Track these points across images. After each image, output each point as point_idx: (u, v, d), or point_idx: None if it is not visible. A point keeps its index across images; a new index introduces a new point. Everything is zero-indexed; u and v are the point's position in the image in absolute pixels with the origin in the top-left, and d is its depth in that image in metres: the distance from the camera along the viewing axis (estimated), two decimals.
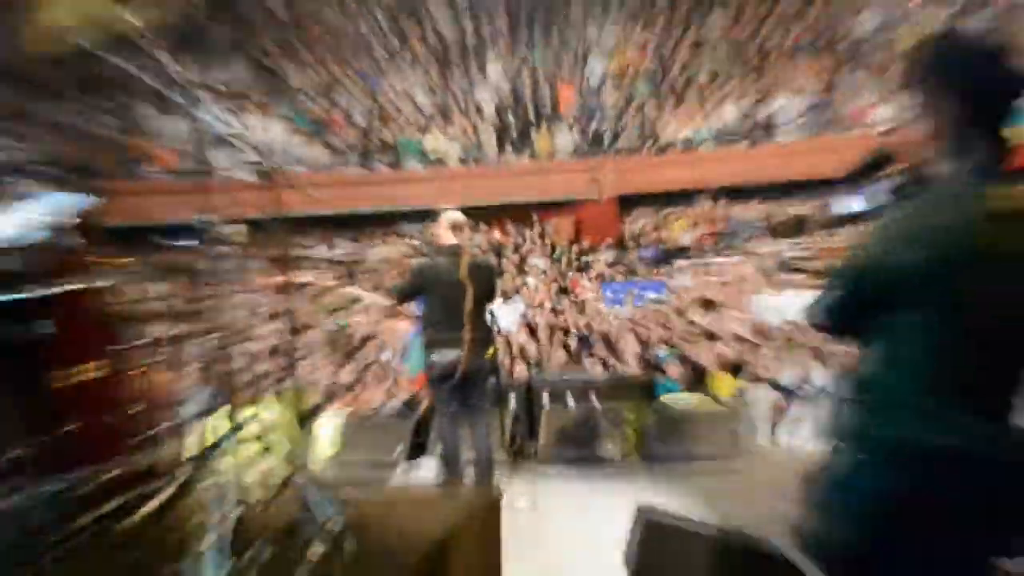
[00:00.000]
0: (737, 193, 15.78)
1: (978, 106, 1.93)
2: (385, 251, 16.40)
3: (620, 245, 15.93)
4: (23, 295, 2.64)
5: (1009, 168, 1.99)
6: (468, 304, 5.46)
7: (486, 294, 5.56)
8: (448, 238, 5.69)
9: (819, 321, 2.12)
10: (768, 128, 16.39)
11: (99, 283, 2.80)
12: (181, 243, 3.16)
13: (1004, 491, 1.89)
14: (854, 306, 2.00)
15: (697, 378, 7.79)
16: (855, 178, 2.23)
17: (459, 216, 5.77)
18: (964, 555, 1.89)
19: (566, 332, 10.58)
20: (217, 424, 2.84)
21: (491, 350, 5.56)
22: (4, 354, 2.62)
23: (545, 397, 7.11)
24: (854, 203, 2.24)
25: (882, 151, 2.19)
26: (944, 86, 1.95)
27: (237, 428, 2.82)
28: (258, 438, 2.94)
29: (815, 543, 2.03)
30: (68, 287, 2.71)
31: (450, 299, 5.43)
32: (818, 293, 2.11)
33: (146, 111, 16.83)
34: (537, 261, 15.54)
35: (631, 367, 8.38)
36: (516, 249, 16.03)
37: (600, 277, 14.73)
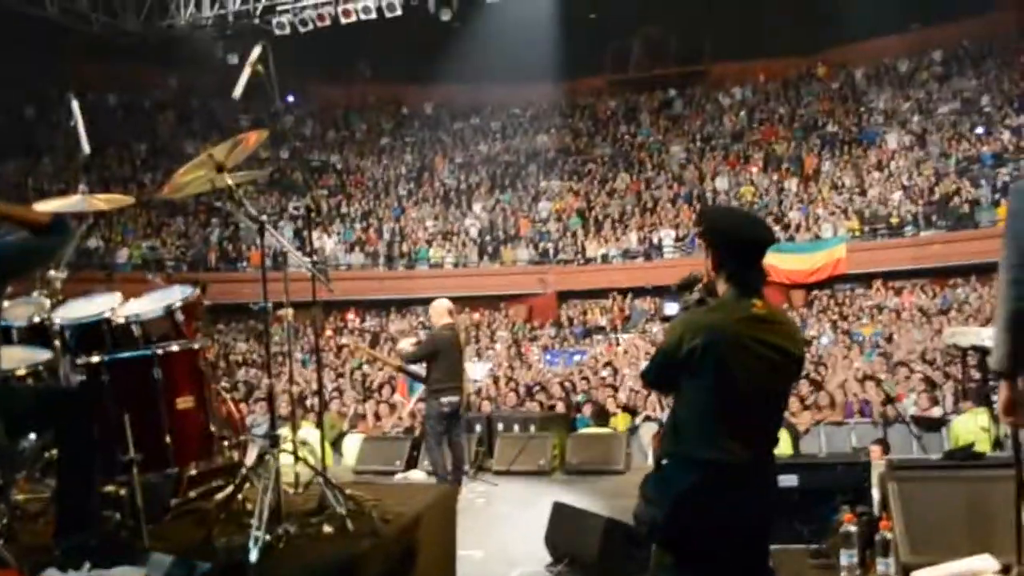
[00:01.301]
0: (637, 291, 15.99)
1: (732, 253, 2.10)
2: (401, 324, 16.35)
3: (558, 324, 16.14)
4: (144, 351, 2.67)
5: (763, 286, 2.15)
6: (462, 364, 5.62)
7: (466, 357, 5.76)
8: (443, 319, 5.68)
9: (649, 380, 2.25)
10: (657, 248, 16.63)
11: (195, 344, 2.81)
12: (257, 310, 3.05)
13: (753, 488, 2.01)
14: (667, 371, 2.09)
15: (603, 415, 7.76)
16: (679, 288, 2.35)
17: (447, 303, 5.78)
18: (733, 525, 1.97)
19: (517, 383, 10.49)
20: (271, 440, 2.81)
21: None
22: (133, 390, 2.63)
23: (500, 427, 7.04)
24: (673, 306, 2.36)
25: (692, 274, 2.32)
26: (712, 241, 2.13)
27: (279, 441, 2.78)
28: (294, 451, 2.91)
29: (646, 521, 2.06)
30: (174, 346, 2.74)
31: (452, 361, 5.53)
32: (649, 362, 2.22)
33: (245, 227, 16.89)
34: (502, 334, 15.60)
35: (560, 407, 8.35)
36: (488, 325, 16.10)
37: (544, 346, 14.82)
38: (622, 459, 6.24)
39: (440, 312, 5.72)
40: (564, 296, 17.12)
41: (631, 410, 8.17)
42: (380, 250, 17.86)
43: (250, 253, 16.68)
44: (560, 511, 4.08)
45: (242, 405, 3.80)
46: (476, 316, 16.51)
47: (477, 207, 19.06)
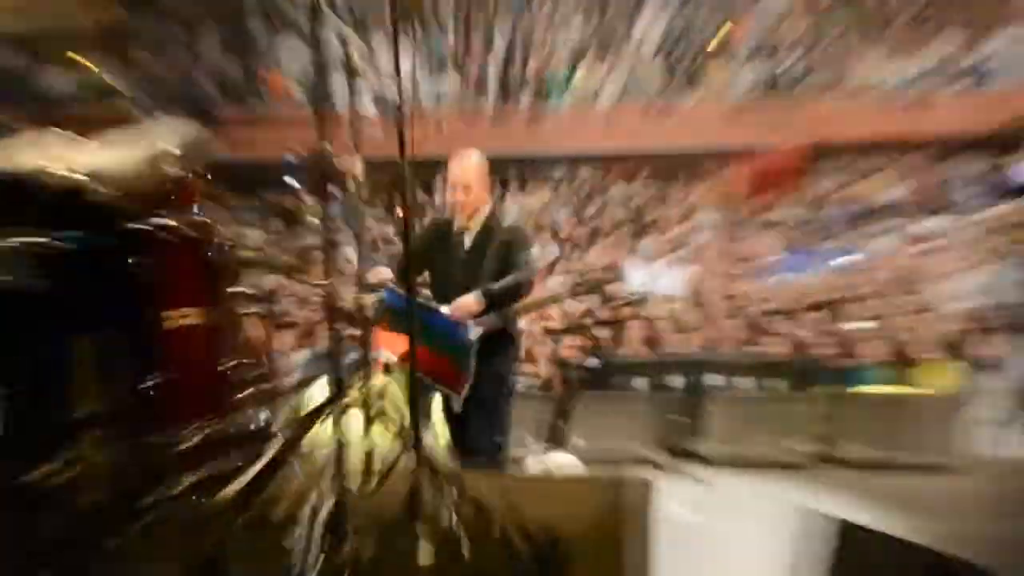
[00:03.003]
0: (948, 147, 15.35)
1: None
2: (525, 202, 16.42)
3: (805, 203, 15.65)
4: (122, 230, 2.74)
5: None
6: None
7: None
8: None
9: None
10: (984, 73, 15.89)
11: (202, 220, 2.89)
12: (291, 182, 3.16)
13: None
14: None
15: (902, 364, 7.49)
16: None
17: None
18: None
19: (739, 306, 10.54)
20: (317, 391, 2.84)
21: None
22: (94, 297, 2.72)
23: (713, 381, 7.19)
24: None
25: None
26: None
27: (340, 394, 2.83)
28: (365, 407, 2.97)
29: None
30: (171, 223, 2.80)
31: None
32: None
33: (259, 30, 17.34)
34: (706, 217, 15.31)
35: (818, 348, 8.15)
36: (682, 199, 15.83)
37: (781, 241, 14.57)
38: (946, 444, 6.18)
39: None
40: (818, 149, 16.51)
41: (959, 356, 7.71)
42: (488, 74, 17.81)
43: (269, 75, 17.24)
44: (843, 536, 3.92)
45: (269, 331, 3.93)
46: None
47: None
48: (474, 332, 4.94)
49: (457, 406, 4.95)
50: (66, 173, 2.77)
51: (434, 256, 5.22)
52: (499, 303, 5.01)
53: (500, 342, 5.13)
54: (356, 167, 3.16)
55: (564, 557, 2.84)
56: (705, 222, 15.26)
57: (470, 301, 4.92)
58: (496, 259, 5.10)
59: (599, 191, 16.67)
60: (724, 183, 16.19)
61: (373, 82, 3.31)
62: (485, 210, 5.25)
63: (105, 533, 2.59)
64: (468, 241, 5.20)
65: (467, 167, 5.24)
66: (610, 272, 12.24)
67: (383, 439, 3.09)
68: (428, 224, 5.70)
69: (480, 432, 4.99)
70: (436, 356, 4.77)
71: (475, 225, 5.19)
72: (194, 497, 2.84)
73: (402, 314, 4.31)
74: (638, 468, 6.45)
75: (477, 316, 4.95)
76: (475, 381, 4.93)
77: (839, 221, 15.24)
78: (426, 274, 5.32)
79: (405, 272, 5.07)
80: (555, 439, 7.32)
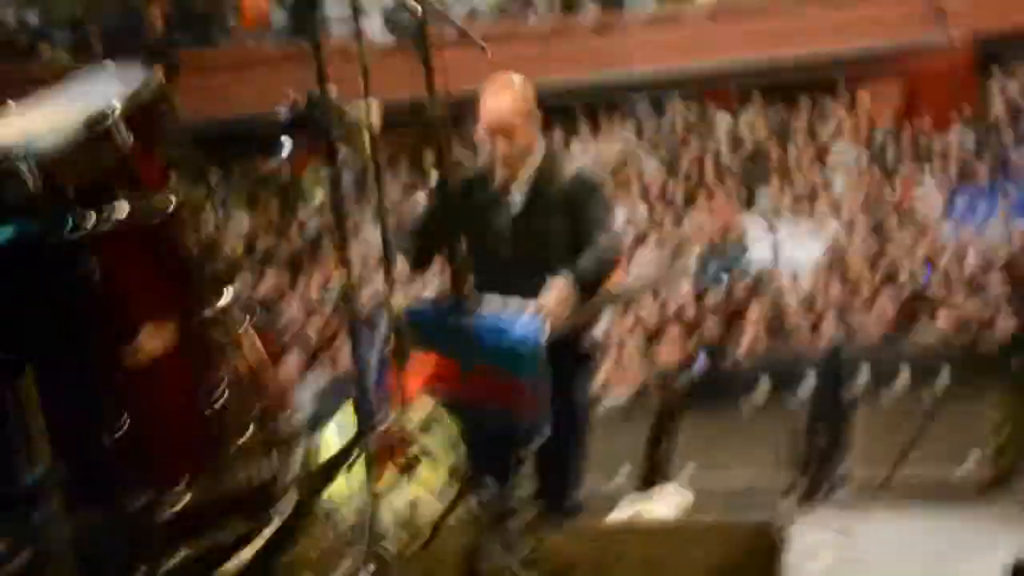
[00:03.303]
0: None
1: None
2: (599, 148, 16.35)
3: (982, 122, 15.60)
4: (52, 225, 2.69)
5: None
6: None
7: None
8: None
9: None
10: None
11: (167, 199, 2.84)
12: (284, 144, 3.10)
13: None
14: None
15: None
16: None
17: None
18: None
19: (892, 270, 10.39)
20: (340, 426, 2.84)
21: None
22: (35, 316, 2.71)
23: (861, 379, 6.88)
24: None
25: None
26: None
27: (367, 431, 2.85)
28: (402, 445, 3.01)
29: None
30: (121, 209, 2.75)
31: None
32: None
33: None
34: (845, 151, 15.13)
35: (1003, 329, 8.04)
36: (811, 133, 15.65)
37: (949, 177, 14.53)
38: None
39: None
40: (993, 52, 16.35)
41: None
42: None
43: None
44: None
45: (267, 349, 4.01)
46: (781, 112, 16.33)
47: None
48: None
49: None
50: None
51: (470, 225, 4.69)
52: (591, 287, 4.74)
53: (569, 353, 4.80)
54: (373, 114, 3.12)
55: None
56: (843, 161, 15.12)
57: (561, 288, 4.54)
58: (563, 222, 4.85)
59: (697, 129, 16.55)
60: (866, 105, 16.03)
61: None
62: (537, 156, 4.99)
63: None
64: (518, 200, 4.94)
65: (505, 101, 4.94)
66: (731, 241, 12.04)
67: (429, 484, 3.13)
68: (455, 180, 5.01)
69: (553, 489, 4.66)
70: (495, 378, 4.21)
71: (525, 177, 4.94)
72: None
73: (437, 327, 4.08)
74: (764, 505, 6.45)
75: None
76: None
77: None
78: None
79: (423, 253, 4.90)
80: (654, 472, 7.31)
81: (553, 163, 4.99)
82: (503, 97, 4.90)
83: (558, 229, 4.84)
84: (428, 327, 4.13)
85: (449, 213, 4.52)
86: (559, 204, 4.85)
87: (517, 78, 5.01)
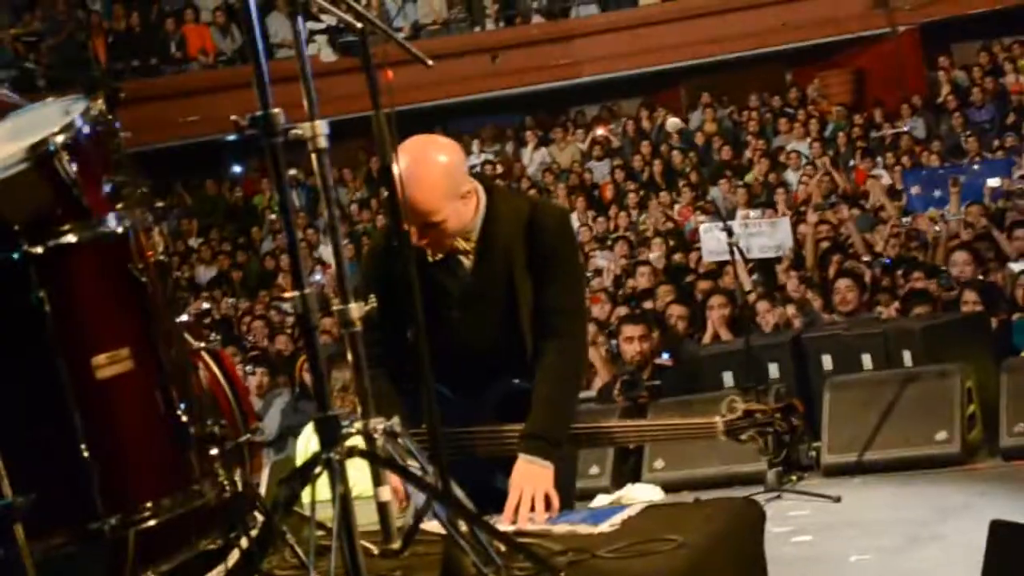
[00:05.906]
0: None
1: None
2: (550, 153, 16.25)
3: (931, 107, 15.65)
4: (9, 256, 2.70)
5: None
6: None
7: None
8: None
9: None
10: None
11: (116, 225, 2.85)
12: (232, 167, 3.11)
13: None
14: None
15: None
16: None
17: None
18: None
19: (848, 251, 10.59)
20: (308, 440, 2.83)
21: None
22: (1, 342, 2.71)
23: (826, 362, 6.96)
24: None
25: None
26: None
27: (335, 442, 2.81)
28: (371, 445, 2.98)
29: None
30: (67, 237, 2.76)
31: None
32: None
33: None
34: (798, 145, 15.09)
35: (964, 308, 8.08)
36: (762, 130, 15.62)
37: (901, 162, 14.52)
38: None
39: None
40: (937, 36, 16.49)
41: None
42: None
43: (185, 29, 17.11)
44: (1012, 541, 3.97)
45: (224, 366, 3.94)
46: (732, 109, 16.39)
47: None
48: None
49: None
50: None
51: (421, 291, 3.56)
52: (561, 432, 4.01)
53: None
54: (319, 134, 3.07)
55: None
56: (796, 155, 15.14)
57: (535, 472, 3.80)
58: (520, 274, 4.09)
59: (648, 132, 16.49)
60: (819, 94, 16.02)
61: (328, 15, 3.24)
62: (478, 219, 4.15)
63: None
64: (468, 260, 4.19)
65: (425, 188, 4.00)
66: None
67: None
68: (379, 235, 4.48)
69: None
70: None
71: (471, 245, 4.16)
72: None
73: None
74: (737, 490, 6.46)
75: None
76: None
77: (979, 126, 15.10)
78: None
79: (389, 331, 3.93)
80: (624, 471, 7.29)
81: (497, 217, 4.17)
82: (422, 183, 3.96)
83: (512, 285, 4.12)
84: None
85: (389, 275, 3.93)
86: (514, 258, 4.12)
87: (433, 157, 4.08)
